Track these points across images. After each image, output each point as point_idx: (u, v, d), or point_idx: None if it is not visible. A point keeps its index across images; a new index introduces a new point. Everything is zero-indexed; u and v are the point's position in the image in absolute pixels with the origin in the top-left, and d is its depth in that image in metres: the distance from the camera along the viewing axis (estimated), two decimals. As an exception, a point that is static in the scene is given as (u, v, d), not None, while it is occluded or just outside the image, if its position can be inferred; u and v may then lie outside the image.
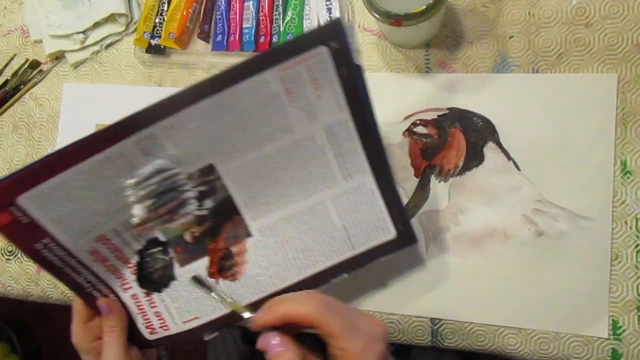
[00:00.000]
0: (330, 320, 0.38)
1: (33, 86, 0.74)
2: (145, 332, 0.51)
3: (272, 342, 0.40)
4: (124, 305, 0.50)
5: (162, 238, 0.48)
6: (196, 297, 0.50)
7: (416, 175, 0.60)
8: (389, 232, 0.50)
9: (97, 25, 0.71)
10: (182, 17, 0.67)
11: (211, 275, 0.50)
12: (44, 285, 0.70)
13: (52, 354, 1.72)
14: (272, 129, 0.44)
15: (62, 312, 0.70)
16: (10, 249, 0.72)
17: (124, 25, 0.71)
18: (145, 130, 0.42)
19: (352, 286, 0.61)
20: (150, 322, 0.51)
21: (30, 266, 0.71)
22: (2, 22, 0.77)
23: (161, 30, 0.68)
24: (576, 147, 0.56)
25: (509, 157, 0.58)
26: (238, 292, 0.50)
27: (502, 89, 0.59)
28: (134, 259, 0.49)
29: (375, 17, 0.53)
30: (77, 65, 0.73)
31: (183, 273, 0.50)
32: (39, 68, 0.74)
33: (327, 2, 0.63)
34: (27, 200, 0.42)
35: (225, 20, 0.67)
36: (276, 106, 0.42)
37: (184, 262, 0.49)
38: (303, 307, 0.39)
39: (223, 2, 0.67)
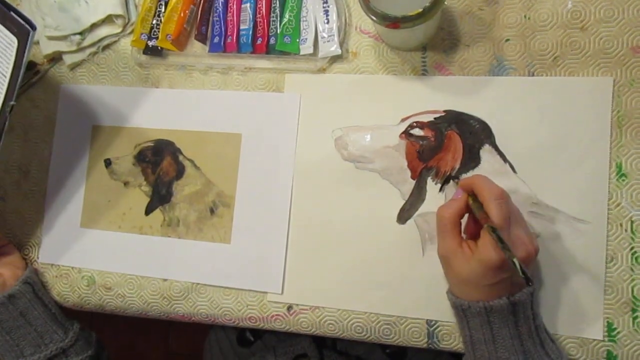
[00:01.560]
0: (493, 206, 0.48)
1: (29, 87, 0.74)
2: None
3: (457, 194, 0.54)
4: None
5: None
6: None
7: (413, 177, 0.60)
8: None
9: (94, 26, 0.71)
10: (179, 19, 0.67)
11: None
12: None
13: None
14: None
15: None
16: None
17: (121, 26, 0.71)
18: None
19: (349, 286, 0.61)
20: None
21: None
22: (-1, 23, 0.77)
23: (158, 31, 0.68)
24: (572, 150, 0.57)
25: (505, 160, 0.58)
26: None
27: (498, 91, 0.59)
28: None
29: (372, 19, 0.53)
30: (73, 66, 0.73)
31: None
32: (36, 69, 0.74)
33: (324, 5, 0.63)
34: None
35: (222, 22, 0.67)
36: None
37: None
38: (487, 187, 0.50)
39: (220, 4, 0.67)
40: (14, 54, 0.56)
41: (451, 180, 0.59)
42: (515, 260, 0.45)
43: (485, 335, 0.51)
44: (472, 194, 0.52)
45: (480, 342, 0.51)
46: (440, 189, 0.60)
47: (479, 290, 0.50)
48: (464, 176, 0.59)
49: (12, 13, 0.56)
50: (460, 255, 0.50)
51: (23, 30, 0.55)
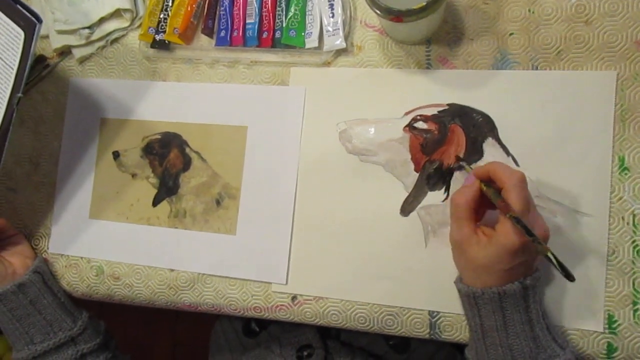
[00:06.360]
0: (516, 194, 0.48)
1: (39, 81, 0.75)
2: None
3: (468, 180, 0.54)
4: None
5: None
6: None
7: (416, 170, 0.61)
8: None
9: (102, 20, 0.72)
10: (186, 13, 0.68)
11: None
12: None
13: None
14: None
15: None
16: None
17: (129, 20, 0.71)
18: None
19: (352, 277, 0.62)
20: None
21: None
22: (10, 17, 0.78)
23: (166, 25, 0.69)
24: (575, 144, 0.57)
25: (508, 153, 0.58)
26: None
27: (501, 85, 0.59)
28: None
29: (377, 13, 0.53)
30: (82, 60, 0.74)
31: None
32: (45, 63, 0.75)
33: (330, -1, 0.64)
34: None
35: (228, 15, 0.67)
36: None
37: None
38: (506, 174, 0.50)
39: (227, -2, 0.68)
40: (20, 46, 0.57)
41: (461, 163, 0.59)
42: (549, 254, 0.46)
43: (497, 322, 0.51)
44: (485, 181, 0.52)
45: (492, 329, 0.51)
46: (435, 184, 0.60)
47: (494, 275, 0.50)
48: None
49: (18, 6, 0.57)
50: (475, 241, 0.51)
51: (29, 23, 0.56)
